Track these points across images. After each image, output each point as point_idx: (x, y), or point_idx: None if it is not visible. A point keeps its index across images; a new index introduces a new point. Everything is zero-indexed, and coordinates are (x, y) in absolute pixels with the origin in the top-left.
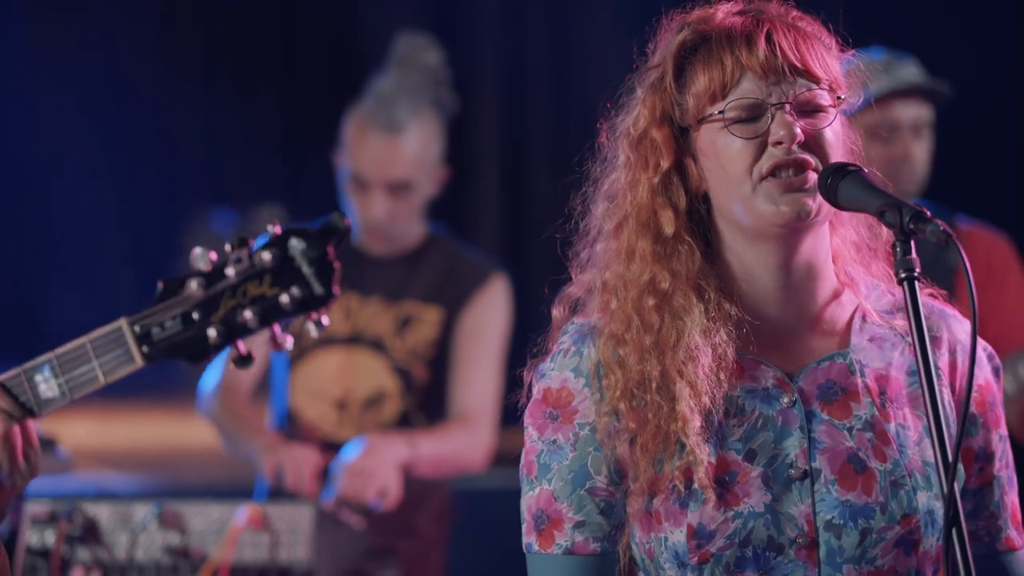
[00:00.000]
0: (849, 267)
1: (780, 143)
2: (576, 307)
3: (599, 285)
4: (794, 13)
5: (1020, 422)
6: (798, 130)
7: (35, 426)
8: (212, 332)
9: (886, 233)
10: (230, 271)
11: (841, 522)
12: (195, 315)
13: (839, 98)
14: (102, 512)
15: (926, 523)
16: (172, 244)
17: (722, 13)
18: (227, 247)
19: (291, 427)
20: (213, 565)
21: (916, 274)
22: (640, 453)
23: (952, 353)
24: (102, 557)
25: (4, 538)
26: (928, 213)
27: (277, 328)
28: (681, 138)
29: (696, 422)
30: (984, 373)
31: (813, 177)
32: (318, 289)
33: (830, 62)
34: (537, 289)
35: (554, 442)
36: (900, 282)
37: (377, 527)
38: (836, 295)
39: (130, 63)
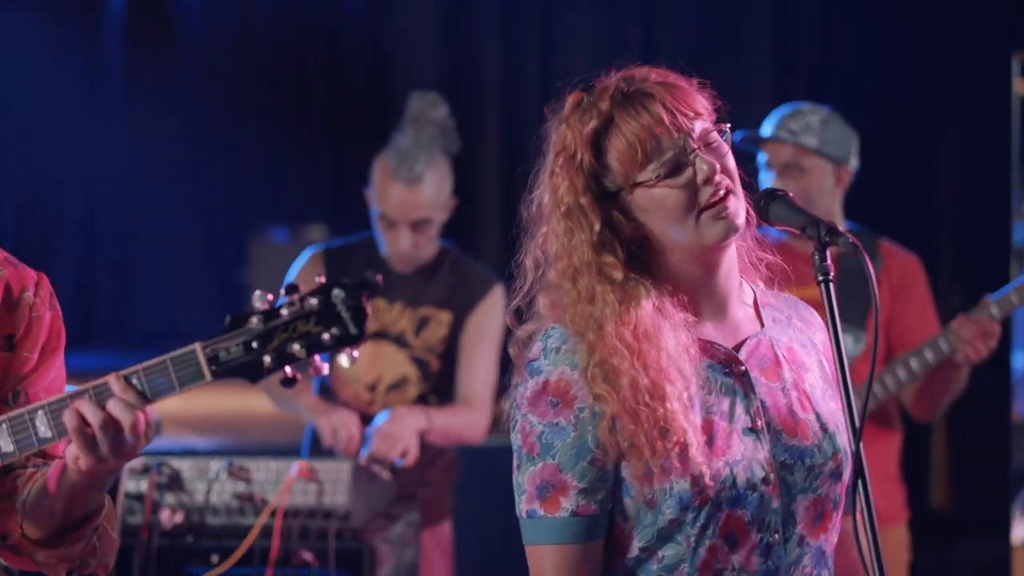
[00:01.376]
0: (742, 269)
1: (708, 180)
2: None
3: (575, 333)
4: (660, 72)
5: (913, 404)
6: (716, 163)
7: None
8: (267, 359)
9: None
10: (284, 311)
11: (792, 462)
12: (254, 344)
13: (720, 126)
14: (184, 466)
15: (845, 457)
16: (239, 254)
17: (611, 94)
18: (282, 292)
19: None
20: (271, 508)
21: (831, 277)
22: (644, 423)
23: (823, 333)
24: (184, 501)
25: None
26: (840, 228)
27: (317, 358)
28: (604, 200)
29: (679, 409)
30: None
31: (733, 199)
32: (353, 330)
33: (703, 100)
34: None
35: (556, 424)
36: (818, 283)
37: (400, 478)
38: (739, 287)
39: (207, 109)
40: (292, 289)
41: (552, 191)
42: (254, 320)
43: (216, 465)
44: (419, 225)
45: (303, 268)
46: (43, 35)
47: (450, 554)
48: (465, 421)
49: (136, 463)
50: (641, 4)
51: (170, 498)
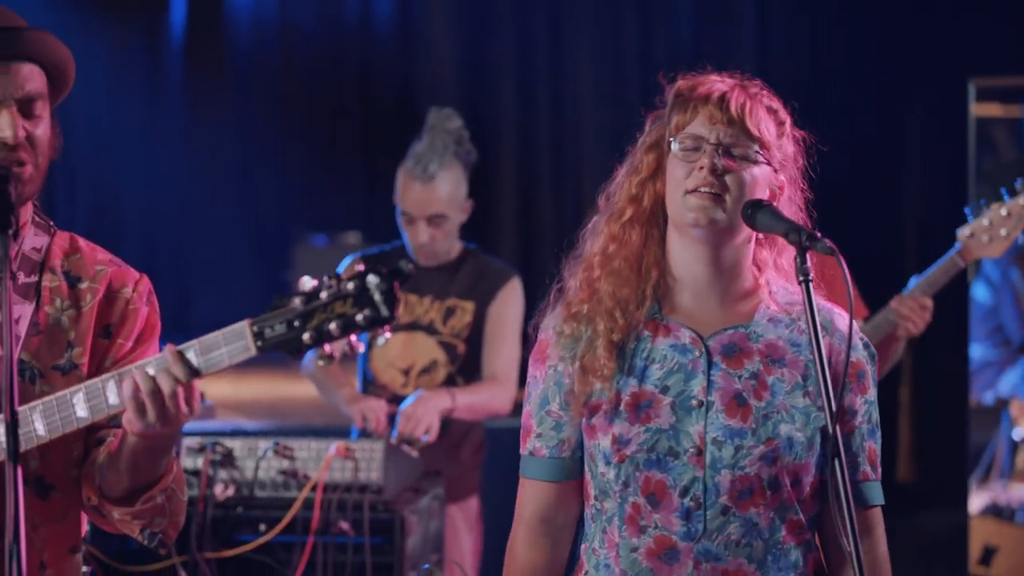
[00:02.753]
0: (768, 274)
1: (702, 168)
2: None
3: (582, 251)
4: (763, 90)
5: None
6: (719, 163)
7: (194, 386)
8: (306, 336)
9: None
10: (323, 294)
11: (723, 439)
12: (296, 323)
13: (769, 156)
14: (235, 445)
15: (784, 445)
16: (284, 257)
17: (712, 78)
18: (324, 277)
19: (370, 387)
20: (313, 482)
21: (811, 277)
22: (580, 378)
23: (832, 337)
24: (235, 476)
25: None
26: (819, 234)
27: (353, 337)
28: (662, 157)
29: (605, 342)
30: (858, 353)
31: (721, 201)
32: (385, 312)
33: (769, 128)
34: (540, 285)
35: (535, 377)
36: (799, 283)
37: (429, 456)
38: (751, 289)
39: (255, 126)
40: (332, 275)
41: (640, 141)
42: (296, 301)
43: (264, 444)
44: (435, 219)
45: (345, 270)
46: (110, 56)
47: (478, 528)
48: (491, 395)
49: (192, 442)
50: (638, 25)
51: (223, 474)
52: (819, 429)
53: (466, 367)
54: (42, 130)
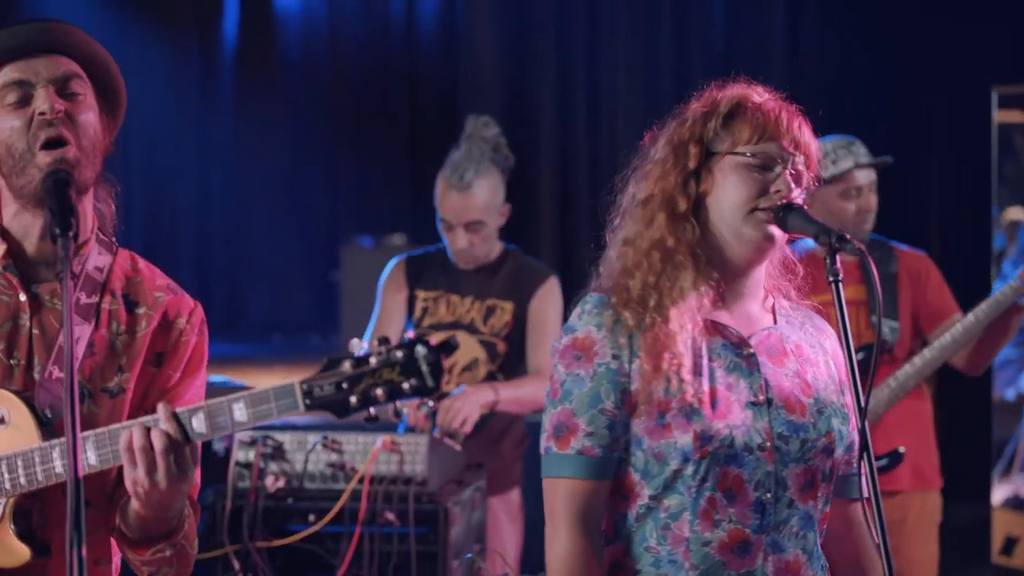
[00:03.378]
0: (768, 283)
1: (779, 191)
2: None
3: (621, 239)
4: (797, 111)
5: (968, 358)
6: (792, 189)
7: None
8: (353, 399)
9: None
10: (372, 359)
11: (789, 434)
12: (344, 385)
13: (811, 171)
14: (286, 439)
15: (838, 438)
16: (332, 258)
17: (768, 97)
18: (375, 342)
19: None
20: (360, 475)
21: (840, 278)
22: (646, 370)
23: (833, 340)
24: (285, 469)
25: (221, 455)
26: (848, 235)
27: (397, 403)
28: (705, 155)
29: (682, 336)
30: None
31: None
32: (430, 383)
33: (813, 146)
34: (578, 286)
35: (576, 374)
36: (829, 283)
37: (471, 450)
38: (764, 295)
39: (305, 131)
40: (384, 341)
41: (673, 133)
42: (346, 364)
43: (313, 438)
44: (472, 226)
45: (390, 273)
46: (165, 65)
47: (520, 519)
48: (535, 388)
49: (245, 436)
50: (673, 32)
51: (274, 466)
52: (847, 421)
53: (506, 365)
54: (85, 115)
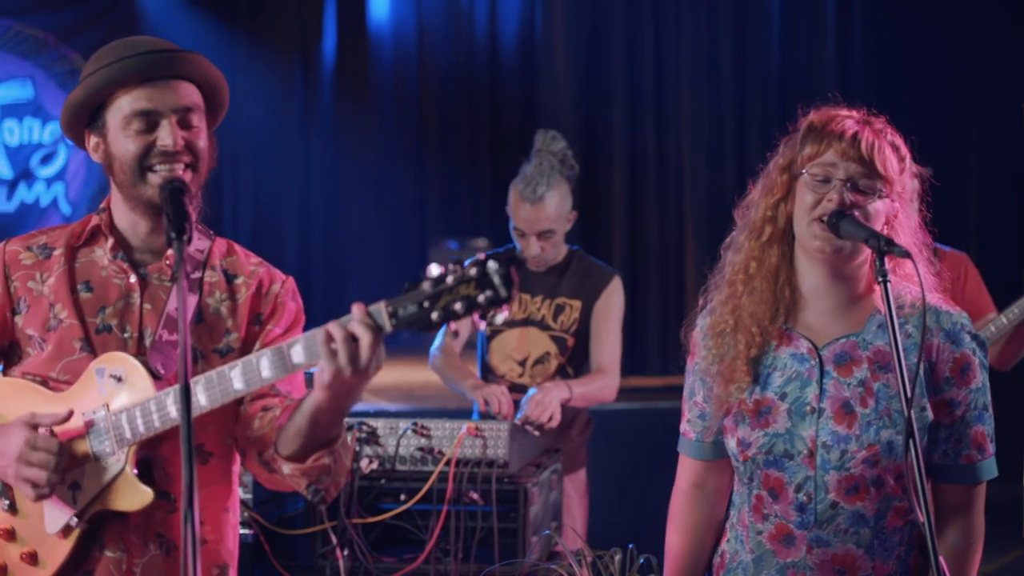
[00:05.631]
0: (866, 288)
1: (830, 201)
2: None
3: (724, 263)
4: (887, 127)
5: (1000, 354)
6: (847, 197)
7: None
8: (435, 315)
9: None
10: (449, 278)
11: (831, 444)
12: (425, 303)
13: (889, 191)
14: (379, 424)
15: (884, 450)
16: (421, 259)
17: (843, 114)
18: (449, 264)
19: (490, 376)
20: (447, 458)
21: (888, 279)
22: (718, 382)
23: (936, 336)
24: (379, 452)
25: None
26: (898, 239)
27: (476, 316)
28: (792, 180)
29: (745, 359)
30: (963, 348)
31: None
32: (503, 293)
33: (892, 164)
34: (649, 289)
35: (687, 367)
36: (879, 283)
37: (547, 435)
38: (863, 295)
39: (396, 143)
40: (457, 262)
41: (771, 164)
42: (425, 285)
43: (404, 424)
44: (544, 234)
45: None
46: (271, 76)
47: (586, 496)
48: (600, 386)
49: None
50: (733, 50)
51: (368, 450)
52: (926, 426)
53: (574, 358)
54: (201, 142)
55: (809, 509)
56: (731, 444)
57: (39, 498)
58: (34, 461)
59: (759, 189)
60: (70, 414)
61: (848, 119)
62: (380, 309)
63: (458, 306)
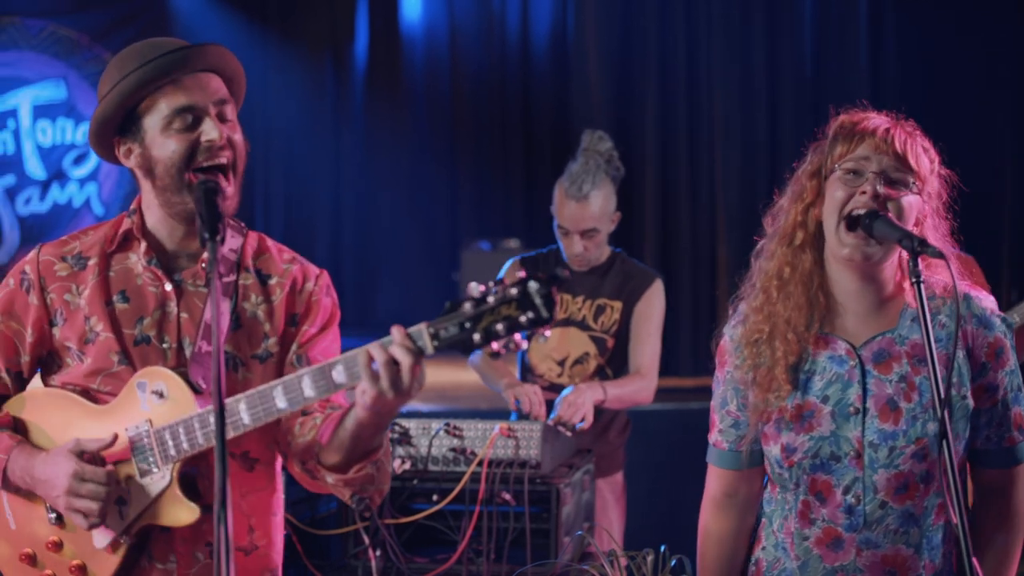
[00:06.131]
0: (895, 286)
1: (864, 193)
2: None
3: (753, 272)
4: (917, 129)
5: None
6: (880, 189)
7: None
8: (476, 336)
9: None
10: (490, 299)
11: (879, 442)
12: (467, 324)
13: (921, 187)
14: (411, 425)
15: (932, 443)
16: (453, 260)
17: (872, 115)
18: (490, 283)
19: (529, 375)
20: (479, 458)
21: (922, 279)
22: (755, 391)
23: (969, 323)
24: (411, 453)
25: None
26: (929, 240)
27: (517, 336)
28: (822, 184)
29: (784, 366)
30: (995, 331)
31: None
32: (545, 314)
33: (923, 161)
34: (682, 290)
35: (717, 377)
36: (912, 284)
37: (580, 436)
38: (893, 293)
39: (428, 144)
40: (498, 282)
41: (798, 170)
42: (467, 305)
43: (436, 425)
44: (588, 233)
45: (507, 272)
46: (302, 80)
47: (623, 498)
48: (636, 388)
49: None
50: (765, 50)
51: (400, 450)
52: (967, 415)
53: (614, 359)
54: (237, 135)
55: (858, 511)
56: (774, 451)
57: (91, 527)
58: (84, 493)
59: (788, 196)
60: (115, 439)
61: (878, 119)
62: (421, 331)
63: (500, 327)
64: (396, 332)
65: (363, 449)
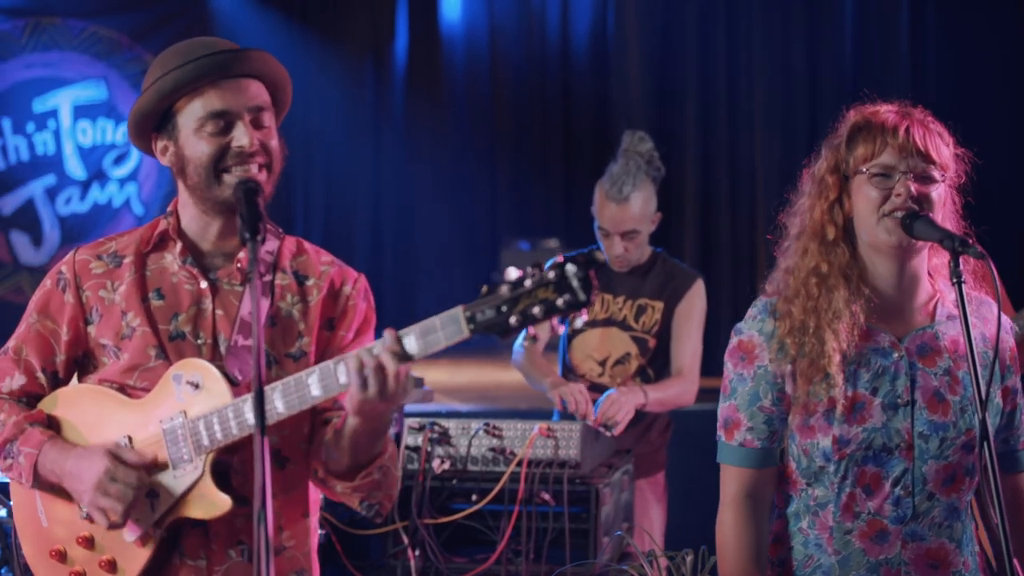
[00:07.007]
0: (939, 278)
1: (899, 195)
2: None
3: (783, 269)
4: (927, 116)
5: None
6: (913, 190)
7: (407, 368)
8: (513, 319)
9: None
10: (527, 282)
11: (929, 433)
12: (503, 308)
13: (944, 174)
14: (451, 425)
15: (978, 435)
16: (493, 260)
17: (883, 110)
18: (528, 267)
19: (570, 375)
20: (518, 458)
21: (963, 279)
22: (800, 382)
23: (992, 327)
24: (451, 452)
25: (393, 439)
26: (970, 240)
27: (554, 320)
28: (843, 181)
29: (837, 358)
30: (1011, 336)
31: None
32: (582, 297)
33: (943, 150)
34: (722, 289)
35: (741, 374)
36: (953, 284)
37: (622, 436)
38: (928, 293)
39: (468, 145)
40: (535, 266)
41: (815, 167)
42: (504, 288)
43: (476, 425)
44: (628, 235)
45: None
46: (342, 81)
47: (665, 499)
48: (678, 390)
49: (413, 422)
50: (806, 52)
51: (440, 450)
52: (999, 414)
53: (655, 359)
54: (274, 141)
55: (906, 503)
56: (823, 443)
57: (110, 528)
58: (111, 493)
59: (810, 194)
60: (153, 461)
61: (890, 113)
62: (458, 314)
63: (536, 310)
64: (387, 335)
65: (363, 457)
